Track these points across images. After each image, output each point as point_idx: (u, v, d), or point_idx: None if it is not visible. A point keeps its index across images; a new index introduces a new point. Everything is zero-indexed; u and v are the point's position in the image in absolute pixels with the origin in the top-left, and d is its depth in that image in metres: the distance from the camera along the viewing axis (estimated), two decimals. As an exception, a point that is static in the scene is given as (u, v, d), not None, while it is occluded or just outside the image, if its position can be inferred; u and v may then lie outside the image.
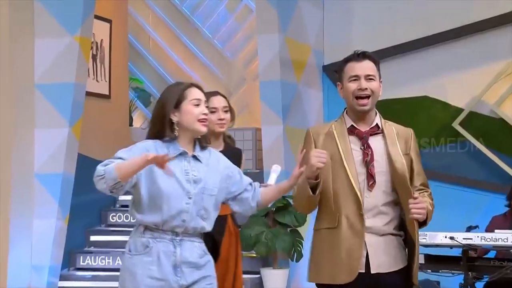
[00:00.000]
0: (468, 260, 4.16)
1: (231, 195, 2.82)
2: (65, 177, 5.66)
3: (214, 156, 2.80)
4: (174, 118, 2.69)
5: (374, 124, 2.87)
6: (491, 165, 5.98)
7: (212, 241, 3.27)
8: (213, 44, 7.92)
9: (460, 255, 4.16)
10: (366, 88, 2.81)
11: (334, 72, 6.57)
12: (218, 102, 3.43)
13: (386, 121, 2.94)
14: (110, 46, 6.87)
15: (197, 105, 2.70)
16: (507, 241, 4.07)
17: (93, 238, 6.20)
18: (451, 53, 6.13)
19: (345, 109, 2.94)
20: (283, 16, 6.00)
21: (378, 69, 2.89)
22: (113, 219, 6.34)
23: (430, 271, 4.38)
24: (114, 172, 2.58)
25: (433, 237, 4.26)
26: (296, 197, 2.84)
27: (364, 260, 2.76)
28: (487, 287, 4.40)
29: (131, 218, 6.22)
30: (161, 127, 2.69)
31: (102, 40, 6.81)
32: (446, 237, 4.21)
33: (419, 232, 4.30)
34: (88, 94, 6.17)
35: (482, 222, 5.05)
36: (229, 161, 2.86)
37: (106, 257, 5.93)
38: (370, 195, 2.78)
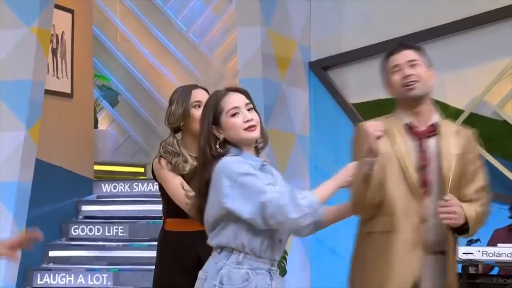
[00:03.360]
0: (469, 277, 4.20)
1: None
2: (20, 186, 5.61)
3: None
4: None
5: (430, 123, 2.90)
6: (494, 172, 6.01)
7: (197, 258, 3.22)
8: (187, 38, 7.91)
9: (460, 271, 4.20)
10: (411, 74, 2.85)
11: (321, 70, 6.60)
12: (201, 95, 3.34)
13: (445, 120, 2.98)
14: (72, 39, 6.83)
15: (236, 114, 2.69)
16: (510, 256, 4.11)
17: (52, 253, 6.16)
18: (451, 49, 6.17)
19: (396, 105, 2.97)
20: (266, 8, 6.01)
21: (423, 56, 2.93)
22: (75, 232, 6.30)
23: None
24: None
25: (430, 252, 4.29)
26: (354, 194, 2.82)
27: (416, 275, 2.79)
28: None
29: (96, 231, 6.26)
30: (211, 147, 2.69)
31: (63, 32, 6.77)
32: (444, 252, 4.24)
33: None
34: (48, 92, 6.12)
35: (484, 235, 5.08)
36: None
37: (67, 275, 5.89)
38: (424, 203, 2.82)
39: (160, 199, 3.48)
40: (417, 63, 2.89)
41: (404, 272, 2.78)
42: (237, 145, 2.68)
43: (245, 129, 2.66)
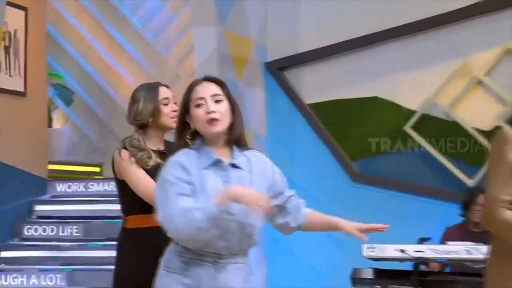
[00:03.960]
0: (420, 274, 4.31)
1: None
2: (-28, 185, 5.59)
3: (258, 161, 2.69)
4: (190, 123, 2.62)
5: None
6: (445, 171, 6.18)
7: (160, 253, 3.09)
8: (143, 36, 7.91)
9: (411, 269, 4.31)
10: None
11: (277, 70, 6.70)
12: (167, 92, 3.40)
13: None
14: (25, 37, 6.80)
15: (200, 105, 2.60)
16: (460, 254, 4.23)
17: (4, 254, 6.11)
18: (404, 51, 6.31)
19: None
20: (222, 7, 6.08)
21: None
22: (29, 232, 6.27)
23: (379, 286, 4.52)
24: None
25: (382, 250, 4.41)
26: None
27: None
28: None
29: (50, 231, 6.23)
30: (178, 138, 2.66)
31: (16, 30, 6.74)
32: (396, 250, 4.36)
33: (368, 244, 4.46)
34: (0, 91, 6.10)
35: (436, 233, 5.23)
36: (275, 166, 2.74)
37: (19, 276, 5.86)
38: None
39: (117, 198, 3.48)
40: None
41: None
42: (204, 136, 2.62)
43: (207, 122, 2.59)
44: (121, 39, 7.97)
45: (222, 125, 2.61)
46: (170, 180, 2.57)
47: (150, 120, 3.34)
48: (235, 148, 2.66)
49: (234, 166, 2.63)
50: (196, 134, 2.65)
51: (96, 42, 8.04)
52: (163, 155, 3.21)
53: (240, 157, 2.65)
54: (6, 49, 6.58)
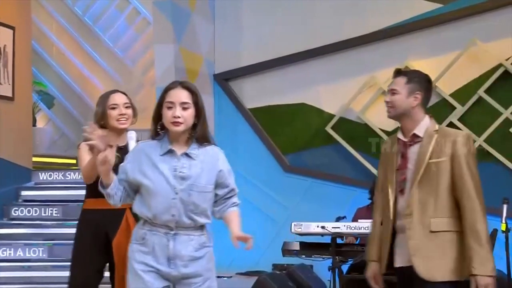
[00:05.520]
0: (336, 246, 4.34)
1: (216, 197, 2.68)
2: (-33, 174, 5.42)
3: (212, 154, 2.66)
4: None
5: (412, 133, 2.72)
6: (358, 164, 6.25)
7: (105, 234, 3.15)
8: (113, 53, 7.81)
9: (330, 242, 4.34)
10: (388, 101, 2.73)
11: (223, 81, 6.67)
12: (118, 98, 3.28)
13: (437, 127, 2.75)
14: (13, 51, 6.63)
15: (170, 107, 2.58)
16: (367, 229, 4.26)
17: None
18: (326, 66, 6.35)
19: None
20: (178, 28, 6.03)
21: (407, 83, 2.75)
22: (16, 213, 6.11)
23: (304, 256, 4.53)
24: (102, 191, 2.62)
25: (307, 227, 4.42)
26: None
27: None
28: (351, 268, 4.60)
29: (34, 212, 6.10)
30: (152, 127, 2.64)
31: (5, 45, 6.56)
32: (318, 226, 4.37)
33: (295, 222, 4.47)
34: (-8, 96, 5.93)
35: (349, 213, 5.28)
36: (227, 163, 2.70)
37: (7, 249, 5.72)
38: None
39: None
40: (395, 92, 2.75)
41: None
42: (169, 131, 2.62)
43: (171, 123, 2.58)
44: (95, 54, 7.85)
45: (183, 127, 2.60)
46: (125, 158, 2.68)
47: (102, 122, 3.23)
48: (194, 143, 2.64)
49: (187, 155, 2.62)
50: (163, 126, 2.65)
51: (73, 57, 7.89)
52: (121, 149, 3.11)
53: (195, 149, 2.63)
54: (-3, 61, 6.41)
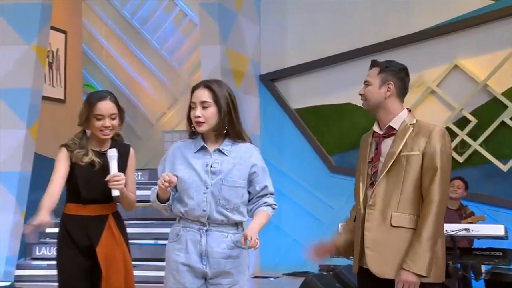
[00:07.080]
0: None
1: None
2: (22, 174, 5.59)
3: (245, 151, 2.64)
4: None
5: (387, 126, 2.64)
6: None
7: (87, 238, 2.97)
8: (161, 55, 7.90)
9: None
10: (361, 94, 2.67)
11: (269, 81, 6.68)
12: (105, 108, 2.97)
13: (415, 120, 2.63)
14: (65, 54, 6.80)
15: (193, 108, 2.60)
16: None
17: (48, 230, 6.10)
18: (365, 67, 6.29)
19: None
20: (224, 30, 6.06)
21: (379, 73, 2.66)
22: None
23: (351, 257, 4.49)
24: (158, 204, 2.64)
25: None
26: None
27: None
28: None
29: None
30: (188, 127, 2.66)
31: (58, 49, 6.73)
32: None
33: (342, 223, 4.42)
34: (45, 98, 6.09)
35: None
36: (261, 160, 2.67)
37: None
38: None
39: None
40: (368, 83, 2.66)
41: None
42: None
43: (195, 123, 2.60)
44: (143, 57, 7.96)
45: (206, 126, 2.59)
46: (163, 159, 2.69)
47: (85, 126, 3.01)
48: (227, 139, 2.63)
49: (220, 151, 2.62)
50: None
51: (122, 59, 8.02)
52: (103, 155, 2.97)
53: (228, 146, 2.63)
54: (50, 64, 6.57)
